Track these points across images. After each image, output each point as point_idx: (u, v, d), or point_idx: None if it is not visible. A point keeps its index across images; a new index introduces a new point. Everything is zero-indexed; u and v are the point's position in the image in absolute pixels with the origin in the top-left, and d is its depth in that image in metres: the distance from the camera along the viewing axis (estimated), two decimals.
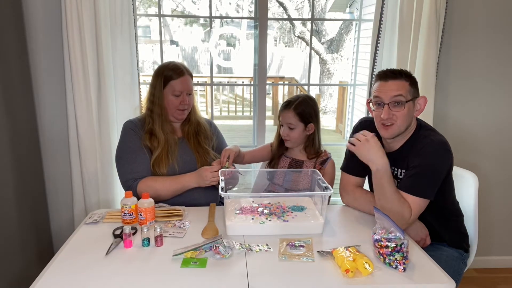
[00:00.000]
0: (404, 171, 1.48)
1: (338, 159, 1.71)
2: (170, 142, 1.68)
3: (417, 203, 1.38)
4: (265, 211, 1.45)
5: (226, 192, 1.45)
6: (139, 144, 1.66)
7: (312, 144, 1.77)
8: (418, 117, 1.54)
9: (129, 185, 1.61)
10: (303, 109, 1.71)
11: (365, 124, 1.61)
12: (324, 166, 1.75)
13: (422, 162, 1.40)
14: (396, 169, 1.51)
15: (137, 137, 1.67)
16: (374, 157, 1.40)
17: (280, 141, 1.81)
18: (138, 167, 1.63)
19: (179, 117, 1.73)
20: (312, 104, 1.75)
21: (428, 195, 1.39)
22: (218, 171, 1.56)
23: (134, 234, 1.33)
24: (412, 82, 1.44)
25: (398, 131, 1.44)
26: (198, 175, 1.60)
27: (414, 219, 1.40)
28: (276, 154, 1.83)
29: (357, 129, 1.65)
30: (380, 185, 1.40)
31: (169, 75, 1.68)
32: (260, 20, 2.23)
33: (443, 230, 1.54)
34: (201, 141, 1.77)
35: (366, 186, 1.67)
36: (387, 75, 1.44)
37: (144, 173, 1.63)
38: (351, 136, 1.66)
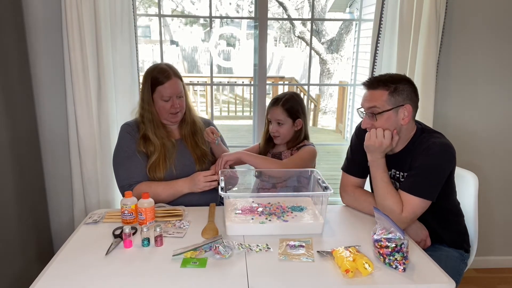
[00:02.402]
0: (406, 174, 1.47)
1: (338, 159, 1.72)
2: (167, 146, 1.66)
3: (414, 202, 1.38)
4: (265, 211, 1.46)
5: (226, 192, 1.45)
6: (135, 148, 1.64)
7: (296, 139, 1.80)
8: (421, 121, 1.54)
9: (125, 190, 1.59)
10: (291, 105, 1.75)
11: None
12: (301, 150, 1.77)
13: (424, 163, 1.40)
14: (398, 172, 1.51)
15: (133, 141, 1.65)
16: (376, 154, 1.44)
17: (267, 139, 1.84)
18: (133, 173, 1.62)
19: (173, 121, 1.71)
20: (299, 101, 1.80)
21: (429, 196, 1.38)
22: (211, 175, 1.54)
23: (134, 234, 1.33)
24: (395, 90, 1.41)
25: None
26: (191, 180, 1.57)
27: (408, 217, 1.39)
28: (263, 152, 1.85)
29: (358, 130, 1.64)
30: (374, 177, 1.45)
31: (156, 80, 1.64)
32: (260, 20, 2.23)
33: (443, 231, 1.54)
34: (198, 141, 1.75)
35: (366, 187, 1.67)
36: (365, 84, 1.47)
37: (140, 179, 1.62)
38: (356, 131, 1.67)
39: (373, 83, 1.44)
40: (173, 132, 1.76)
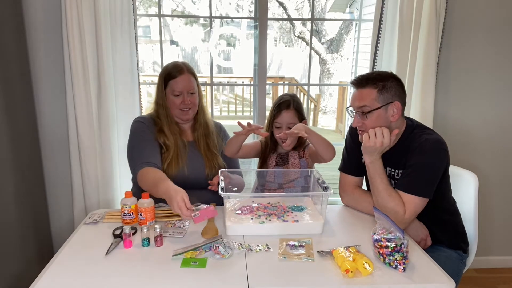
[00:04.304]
0: (401, 171, 1.48)
1: (339, 159, 1.71)
2: (179, 146, 1.66)
3: (414, 202, 1.38)
4: (265, 211, 1.45)
5: (226, 192, 1.45)
6: (152, 137, 1.64)
7: (304, 138, 1.74)
8: (421, 121, 1.54)
9: (137, 171, 1.54)
10: (299, 106, 1.74)
11: None
12: (306, 149, 1.77)
13: (419, 161, 1.40)
14: (393, 170, 1.51)
15: (150, 131, 1.66)
16: (374, 154, 1.43)
17: (266, 143, 1.79)
18: (149, 156, 1.58)
19: (183, 118, 1.70)
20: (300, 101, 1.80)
21: (426, 193, 1.39)
22: (186, 211, 1.29)
23: (134, 234, 1.33)
24: (384, 87, 1.41)
25: None
26: (169, 197, 1.33)
27: (411, 217, 1.40)
28: (266, 155, 1.79)
29: (352, 130, 1.65)
30: (373, 179, 1.44)
31: (168, 74, 1.66)
32: (260, 20, 2.22)
33: (440, 231, 1.54)
34: (210, 144, 1.74)
35: (365, 187, 1.67)
36: (354, 83, 1.47)
37: (154, 161, 1.58)
38: (349, 130, 1.67)
39: (362, 81, 1.44)
40: (186, 133, 1.75)
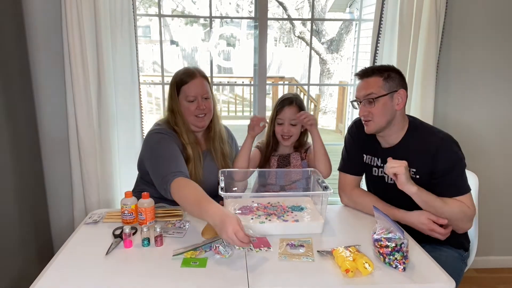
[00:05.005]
0: (411, 169, 1.46)
1: (338, 159, 1.71)
2: (195, 156, 1.61)
3: (468, 198, 1.42)
4: (265, 211, 1.45)
5: (226, 192, 1.44)
6: (177, 147, 1.54)
7: (302, 139, 1.80)
8: (416, 116, 1.54)
9: (170, 181, 1.39)
10: (302, 104, 1.77)
11: (359, 124, 1.60)
12: (309, 151, 1.79)
13: (450, 165, 1.42)
14: None
15: (174, 141, 1.56)
16: (409, 178, 1.35)
17: (268, 142, 1.80)
18: (178, 165, 1.47)
19: (199, 125, 1.64)
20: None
21: (469, 187, 1.44)
22: (244, 238, 1.15)
23: (134, 234, 1.33)
24: (388, 76, 1.46)
25: (377, 126, 1.48)
26: (222, 223, 1.16)
27: (475, 209, 1.44)
28: (267, 155, 1.80)
29: (351, 129, 1.66)
30: (429, 203, 1.38)
31: (180, 80, 1.61)
32: (260, 20, 2.22)
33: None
34: (225, 154, 1.72)
35: (363, 186, 1.68)
36: (359, 74, 1.51)
37: (185, 171, 1.47)
38: (349, 130, 1.68)
39: (368, 71, 1.49)
40: (200, 142, 1.71)
